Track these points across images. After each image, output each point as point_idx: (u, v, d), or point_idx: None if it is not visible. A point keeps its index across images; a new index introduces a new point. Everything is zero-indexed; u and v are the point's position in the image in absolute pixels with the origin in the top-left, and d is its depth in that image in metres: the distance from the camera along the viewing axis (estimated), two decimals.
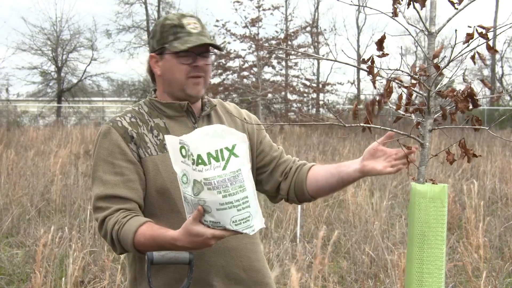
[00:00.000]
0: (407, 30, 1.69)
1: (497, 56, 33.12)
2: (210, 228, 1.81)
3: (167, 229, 1.92)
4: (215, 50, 2.20)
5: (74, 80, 34.55)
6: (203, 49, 2.14)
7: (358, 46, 35.48)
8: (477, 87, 1.66)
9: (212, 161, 1.78)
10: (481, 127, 1.70)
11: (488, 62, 32.75)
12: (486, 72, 33.73)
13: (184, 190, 1.85)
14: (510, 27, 1.56)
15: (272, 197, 2.38)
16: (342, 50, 1.69)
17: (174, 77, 2.15)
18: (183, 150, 1.82)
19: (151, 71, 2.23)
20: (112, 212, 2.02)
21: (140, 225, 1.96)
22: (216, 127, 1.82)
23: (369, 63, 1.62)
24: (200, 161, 1.78)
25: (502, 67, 34.37)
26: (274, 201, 2.41)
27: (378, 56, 1.63)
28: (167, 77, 2.16)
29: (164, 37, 2.14)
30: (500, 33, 1.61)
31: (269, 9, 25.02)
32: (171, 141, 1.85)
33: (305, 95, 25.86)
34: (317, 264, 4.05)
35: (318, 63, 32.25)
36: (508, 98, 32.42)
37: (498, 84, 32.66)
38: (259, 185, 2.35)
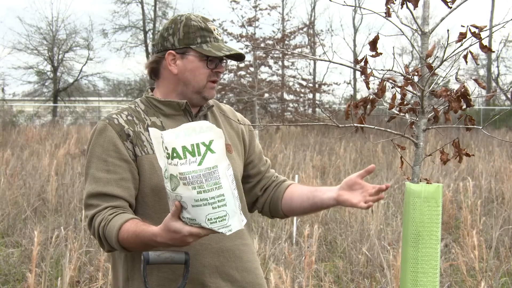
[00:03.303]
0: (401, 30, 1.70)
1: (493, 56, 33.17)
2: (188, 225, 1.80)
3: (150, 225, 1.92)
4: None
5: (70, 80, 34.45)
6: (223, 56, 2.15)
7: (355, 45, 35.50)
8: (471, 86, 1.67)
9: (188, 155, 1.76)
10: (474, 126, 1.70)
11: (484, 62, 32.80)
12: (482, 72, 33.77)
13: (165, 185, 1.84)
14: (503, 27, 1.56)
15: (248, 207, 2.39)
16: (334, 52, 1.69)
17: (195, 79, 2.14)
18: (163, 144, 1.81)
19: (153, 67, 2.21)
20: (101, 209, 2.03)
21: (124, 221, 1.96)
22: (202, 123, 1.80)
23: (363, 63, 1.62)
24: (175, 154, 1.76)
25: (498, 67, 34.40)
26: (249, 211, 2.42)
27: (372, 56, 1.63)
28: (186, 77, 2.15)
29: (190, 37, 2.12)
30: (495, 31, 1.61)
31: (266, 9, 25.01)
32: (155, 135, 1.84)
33: (301, 95, 25.85)
34: (307, 262, 4.05)
35: (315, 63, 32.27)
36: (504, 98, 32.47)
37: (494, 84, 32.68)
38: None
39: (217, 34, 2.17)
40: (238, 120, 2.32)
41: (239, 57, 2.19)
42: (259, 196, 2.37)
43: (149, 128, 1.89)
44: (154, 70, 2.21)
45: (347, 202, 2.09)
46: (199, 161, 1.76)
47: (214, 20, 23.73)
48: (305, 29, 26.96)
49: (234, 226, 1.81)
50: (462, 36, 1.57)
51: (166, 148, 1.78)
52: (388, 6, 1.62)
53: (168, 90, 2.18)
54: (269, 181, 2.38)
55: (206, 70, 2.13)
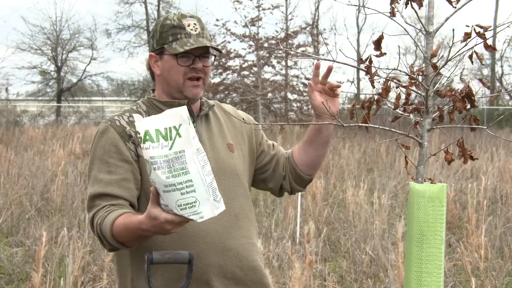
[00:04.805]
0: (405, 30, 1.69)
1: (497, 56, 33.11)
2: (165, 212, 1.79)
3: (137, 215, 1.92)
4: (215, 52, 2.20)
5: (74, 80, 34.54)
6: (202, 51, 2.14)
7: (358, 45, 35.46)
8: (475, 86, 1.66)
9: (161, 139, 1.75)
10: (479, 126, 1.70)
11: (488, 62, 32.74)
12: (486, 71, 33.72)
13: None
14: (508, 26, 1.56)
15: (276, 192, 2.44)
16: (340, 50, 1.69)
17: (172, 78, 2.15)
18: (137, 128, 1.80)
19: (151, 70, 2.24)
20: (100, 209, 2.03)
21: (118, 216, 1.95)
22: (175, 109, 1.79)
23: (367, 63, 1.62)
24: (147, 137, 1.76)
25: (502, 66, 34.36)
26: (279, 195, 2.48)
27: (376, 55, 1.63)
28: (166, 77, 2.17)
29: (163, 37, 2.14)
30: (499, 31, 1.61)
31: (268, 8, 25.02)
32: (138, 118, 1.83)
33: (305, 94, 25.86)
34: (308, 262, 4.05)
35: None
36: (508, 97, 32.40)
37: (498, 84, 32.62)
38: (263, 183, 2.41)
39: (192, 29, 2.14)
40: (243, 119, 2.32)
41: (215, 49, 2.18)
42: (284, 175, 2.39)
43: (133, 114, 1.87)
44: (151, 73, 2.27)
45: (317, 101, 2.25)
46: (170, 145, 1.74)
47: (217, 19, 23.84)
48: (308, 29, 26.96)
49: (205, 213, 1.77)
50: (467, 36, 1.57)
51: (139, 132, 1.77)
52: (393, 6, 1.62)
53: (160, 91, 2.22)
54: (284, 158, 2.41)
55: (181, 68, 2.13)
